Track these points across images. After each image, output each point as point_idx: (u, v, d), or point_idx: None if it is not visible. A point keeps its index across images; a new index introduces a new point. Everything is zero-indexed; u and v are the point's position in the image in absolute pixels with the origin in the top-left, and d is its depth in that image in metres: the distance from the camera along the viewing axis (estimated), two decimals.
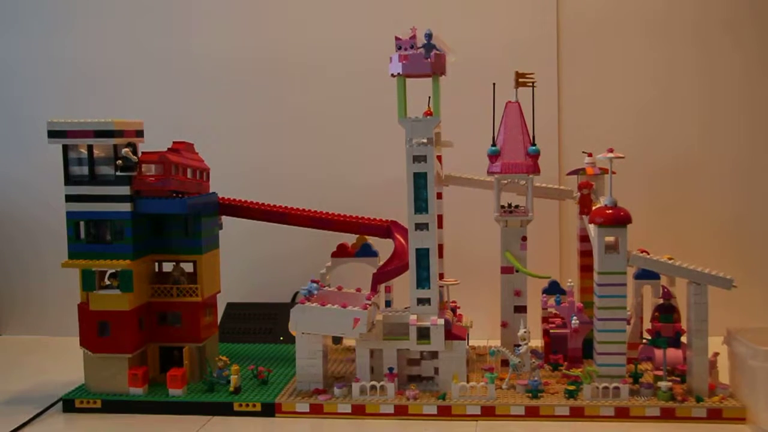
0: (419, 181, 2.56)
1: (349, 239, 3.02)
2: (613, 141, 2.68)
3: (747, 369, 2.39)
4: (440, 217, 2.85)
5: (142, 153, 2.70)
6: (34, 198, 3.60)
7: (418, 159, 2.55)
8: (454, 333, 2.58)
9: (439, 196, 2.86)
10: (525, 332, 2.64)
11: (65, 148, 2.64)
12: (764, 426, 2.31)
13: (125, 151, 2.62)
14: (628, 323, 2.71)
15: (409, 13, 3.14)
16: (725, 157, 3.26)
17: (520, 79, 2.76)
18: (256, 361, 2.96)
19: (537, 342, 2.89)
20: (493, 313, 2.91)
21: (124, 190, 2.63)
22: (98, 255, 2.64)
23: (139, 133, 2.74)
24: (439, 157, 2.91)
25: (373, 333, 2.59)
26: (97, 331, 2.64)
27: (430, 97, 2.58)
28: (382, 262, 2.85)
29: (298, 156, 3.45)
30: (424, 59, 2.49)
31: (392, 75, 2.53)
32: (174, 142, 2.84)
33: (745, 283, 2.59)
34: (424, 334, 2.56)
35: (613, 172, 2.54)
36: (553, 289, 2.88)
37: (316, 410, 2.52)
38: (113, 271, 2.66)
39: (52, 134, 2.63)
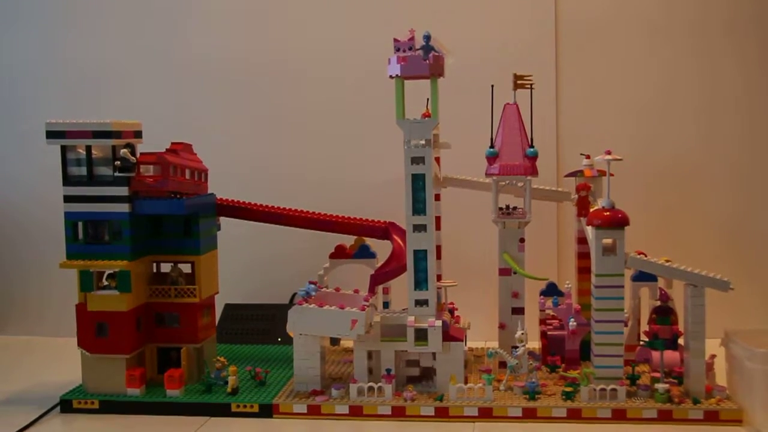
0: (417, 182, 2.56)
1: (347, 240, 3.02)
2: (611, 143, 2.69)
3: (744, 371, 2.39)
4: (438, 219, 2.85)
5: (141, 154, 2.70)
6: (33, 198, 3.60)
7: (416, 160, 2.55)
8: (451, 334, 2.58)
9: (437, 197, 2.87)
10: (522, 334, 2.65)
11: (64, 149, 2.65)
12: (761, 428, 2.32)
13: (123, 151, 2.62)
14: (626, 325, 2.71)
15: (407, 14, 3.14)
16: (724, 160, 3.27)
17: (519, 81, 2.77)
18: (254, 362, 2.96)
19: (534, 344, 2.89)
20: (490, 314, 2.91)
21: (123, 190, 2.63)
22: (96, 255, 2.64)
23: (138, 134, 2.74)
24: (437, 159, 2.91)
25: (371, 334, 2.59)
26: (95, 332, 2.64)
27: (428, 99, 2.58)
28: (380, 264, 2.86)
29: (296, 157, 3.45)
30: (422, 61, 2.50)
31: (390, 76, 2.53)
32: (172, 143, 2.84)
33: (742, 285, 2.60)
34: (421, 335, 2.56)
35: (611, 174, 2.54)
36: (551, 290, 2.88)
37: (314, 411, 2.52)
38: (111, 271, 2.66)
39: (51, 135, 2.63)
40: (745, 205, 3.28)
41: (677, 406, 2.40)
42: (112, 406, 2.61)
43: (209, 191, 2.95)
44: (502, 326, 2.82)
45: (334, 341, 3.16)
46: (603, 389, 2.44)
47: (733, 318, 2.83)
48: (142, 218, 2.70)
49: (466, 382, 2.55)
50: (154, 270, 2.84)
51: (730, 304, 2.74)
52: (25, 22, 3.60)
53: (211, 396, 2.62)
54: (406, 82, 2.54)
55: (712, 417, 2.38)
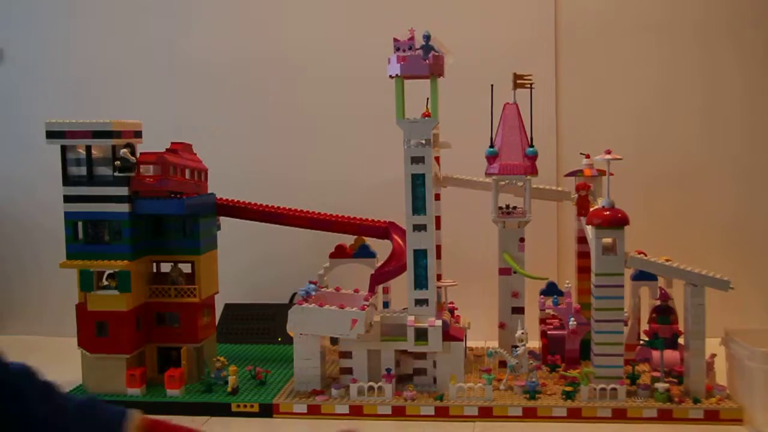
0: (417, 182, 2.56)
1: (348, 240, 3.02)
2: (611, 143, 2.69)
3: (744, 370, 2.39)
4: (438, 218, 2.84)
5: (141, 153, 2.70)
6: (33, 198, 3.59)
7: (416, 160, 2.56)
8: (451, 334, 2.58)
9: (437, 197, 2.87)
10: (523, 333, 2.64)
11: (63, 149, 2.65)
12: (761, 427, 2.31)
13: (123, 151, 2.62)
14: (626, 324, 2.71)
15: (407, 14, 3.13)
16: (724, 160, 3.26)
17: (518, 81, 2.77)
18: (254, 361, 2.96)
19: (535, 343, 2.89)
20: (490, 314, 2.91)
21: (123, 190, 2.63)
22: (96, 255, 2.64)
23: (138, 134, 2.74)
24: (437, 159, 2.91)
25: (371, 334, 2.59)
26: (95, 332, 2.64)
27: (428, 99, 2.58)
28: (380, 263, 2.86)
29: (296, 157, 3.45)
30: (422, 61, 2.50)
31: (390, 76, 2.53)
32: (172, 143, 2.84)
33: (742, 284, 2.59)
34: (421, 335, 2.56)
35: (611, 174, 2.54)
36: (551, 290, 2.87)
37: (314, 411, 2.52)
38: (111, 271, 2.66)
39: (51, 135, 2.63)
40: (746, 205, 3.27)
41: (677, 406, 2.40)
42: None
43: (209, 191, 2.95)
44: (502, 326, 2.82)
45: (334, 341, 3.16)
46: (603, 388, 2.44)
47: (733, 317, 2.82)
48: (142, 218, 2.70)
49: (466, 382, 2.55)
50: (154, 270, 2.84)
51: (731, 304, 2.74)
52: (25, 22, 3.59)
53: (212, 396, 2.62)
54: (406, 81, 2.54)
55: (712, 416, 2.38)
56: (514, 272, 2.78)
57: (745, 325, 2.71)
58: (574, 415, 2.43)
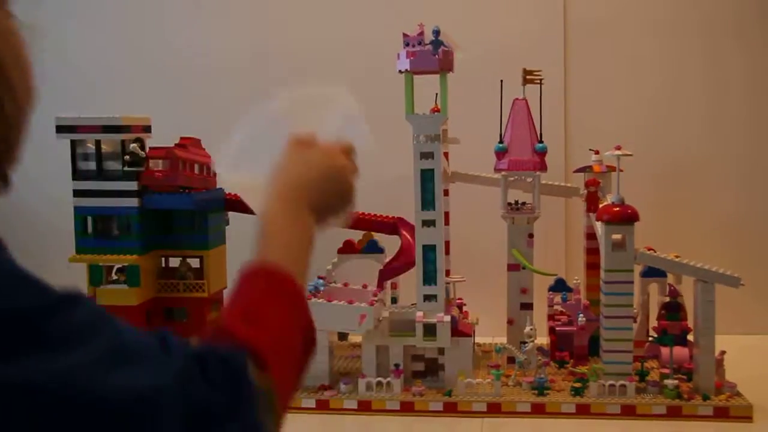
0: (426, 177, 2.56)
1: (356, 235, 3.01)
2: (621, 138, 2.68)
3: None
4: (447, 214, 2.84)
5: (150, 148, 2.70)
6: (40, 193, 3.59)
7: (425, 156, 2.55)
8: (460, 330, 2.58)
9: (446, 192, 2.86)
10: (531, 329, 2.64)
11: (73, 144, 2.65)
12: None
13: (133, 146, 2.62)
14: (635, 321, 2.71)
15: (416, 9, 3.13)
16: (733, 156, 3.25)
17: (528, 77, 2.76)
18: None
19: (543, 339, 2.88)
20: (499, 310, 2.90)
21: (132, 185, 2.64)
22: (105, 250, 2.64)
23: (147, 129, 2.74)
24: (446, 154, 2.90)
25: (380, 329, 2.59)
26: None
27: (437, 94, 2.58)
28: (388, 259, 2.85)
29: None
30: (431, 56, 2.49)
31: (400, 71, 2.53)
32: (181, 138, 2.84)
33: (752, 281, 2.58)
34: (430, 330, 2.56)
35: (621, 170, 2.53)
36: (560, 286, 2.87)
37: (322, 406, 2.52)
38: (120, 266, 2.66)
39: (61, 129, 2.64)
40: (755, 201, 3.26)
41: (687, 402, 2.40)
42: None
43: (218, 186, 2.95)
44: (510, 322, 2.81)
45: (342, 336, 3.16)
46: (612, 385, 2.44)
47: (742, 314, 2.82)
48: (151, 213, 2.70)
49: (474, 378, 2.55)
50: (163, 264, 2.84)
51: (739, 301, 2.73)
52: (29, 18, 3.59)
53: None
54: (415, 77, 2.54)
55: (722, 413, 2.38)
56: (523, 268, 2.77)
57: (753, 322, 2.70)
58: (583, 411, 2.43)
